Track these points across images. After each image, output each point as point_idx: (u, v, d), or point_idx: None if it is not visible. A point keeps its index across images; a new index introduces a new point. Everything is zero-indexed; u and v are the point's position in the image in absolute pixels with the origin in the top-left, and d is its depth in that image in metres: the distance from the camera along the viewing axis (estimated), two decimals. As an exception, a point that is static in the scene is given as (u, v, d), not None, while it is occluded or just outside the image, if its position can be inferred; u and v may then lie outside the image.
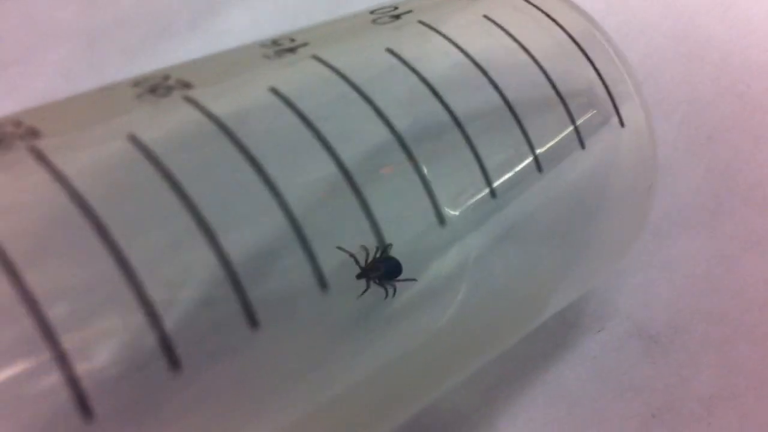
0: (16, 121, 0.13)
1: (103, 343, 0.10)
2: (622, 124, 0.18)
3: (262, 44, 0.16)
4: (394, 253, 0.14)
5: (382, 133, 0.14)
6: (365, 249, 0.13)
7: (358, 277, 0.13)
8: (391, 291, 0.14)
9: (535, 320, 0.19)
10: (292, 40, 0.16)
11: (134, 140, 0.12)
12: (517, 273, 0.17)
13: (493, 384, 0.20)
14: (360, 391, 0.14)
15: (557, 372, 0.21)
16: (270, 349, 0.12)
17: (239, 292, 0.12)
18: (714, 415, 0.20)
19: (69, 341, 0.10)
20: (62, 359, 0.10)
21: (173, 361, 0.11)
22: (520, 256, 0.17)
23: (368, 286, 0.13)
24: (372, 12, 0.17)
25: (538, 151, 0.16)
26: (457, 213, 0.15)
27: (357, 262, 0.13)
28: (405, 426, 0.20)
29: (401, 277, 0.14)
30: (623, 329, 0.22)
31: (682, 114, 0.26)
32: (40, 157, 0.12)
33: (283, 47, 0.16)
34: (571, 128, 0.17)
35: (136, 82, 0.14)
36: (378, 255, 0.14)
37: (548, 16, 0.18)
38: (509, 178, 0.15)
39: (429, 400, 0.17)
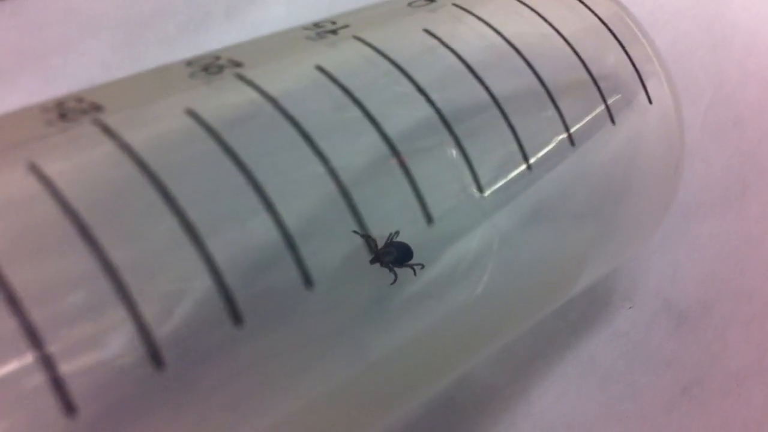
0: (78, 97, 0.13)
1: (174, 299, 0.11)
2: (650, 101, 0.18)
3: (304, 27, 0.17)
4: (435, 228, 0.14)
5: (423, 109, 0.15)
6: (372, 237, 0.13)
7: (371, 261, 0.13)
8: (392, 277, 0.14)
9: (563, 296, 0.19)
10: (333, 22, 0.17)
11: (193, 114, 0.13)
12: (547, 249, 0.17)
13: (526, 360, 0.21)
14: (390, 365, 0.15)
15: (589, 348, 0.21)
16: (322, 311, 0.13)
17: (296, 256, 0.12)
18: (742, 389, 0.20)
19: (143, 300, 0.11)
20: (137, 317, 0.11)
21: (236, 318, 0.11)
22: (551, 233, 0.17)
23: (395, 275, 0.14)
24: (406, -4, 0.18)
25: (570, 124, 0.16)
26: (494, 187, 0.15)
27: (371, 247, 0.13)
28: (438, 400, 0.20)
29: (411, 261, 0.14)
30: (653, 306, 0.22)
31: (709, 99, 0.27)
32: (107, 130, 0.12)
33: (325, 29, 0.16)
34: (601, 104, 0.17)
35: (189, 62, 0.15)
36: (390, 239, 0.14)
37: (578, -1, 0.19)
38: (544, 152, 0.16)
39: (459, 373, 0.18)
